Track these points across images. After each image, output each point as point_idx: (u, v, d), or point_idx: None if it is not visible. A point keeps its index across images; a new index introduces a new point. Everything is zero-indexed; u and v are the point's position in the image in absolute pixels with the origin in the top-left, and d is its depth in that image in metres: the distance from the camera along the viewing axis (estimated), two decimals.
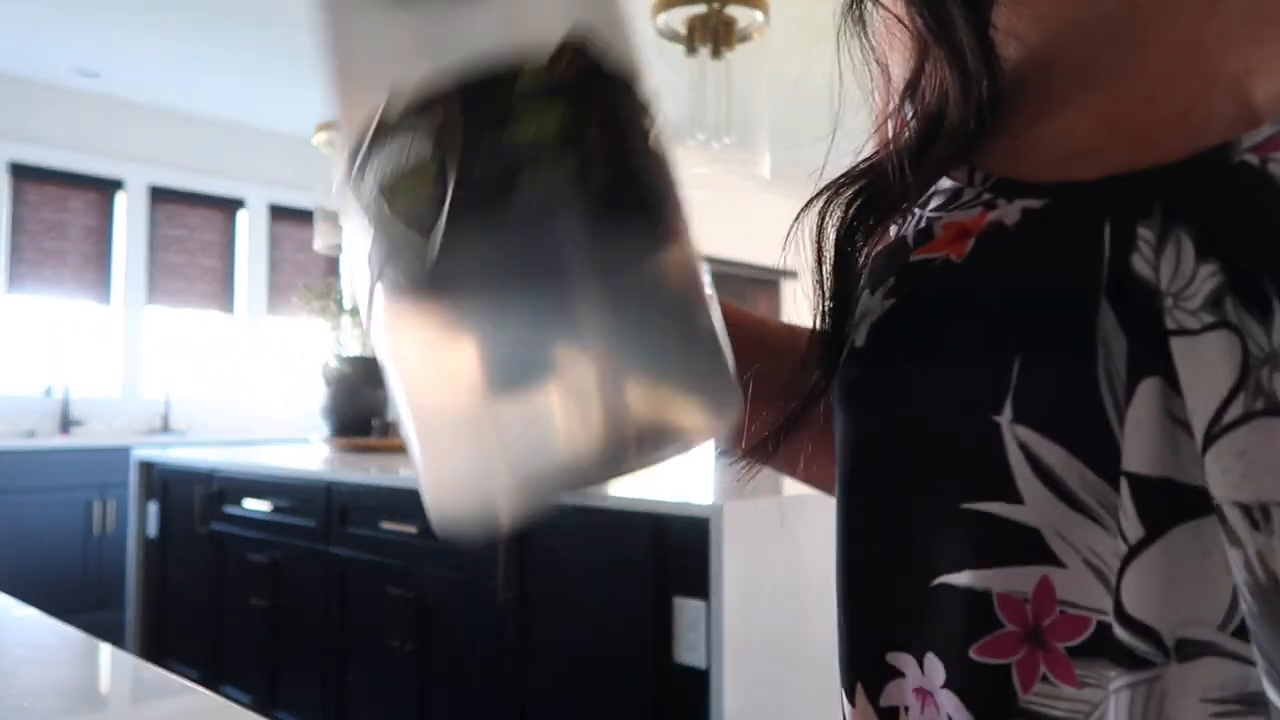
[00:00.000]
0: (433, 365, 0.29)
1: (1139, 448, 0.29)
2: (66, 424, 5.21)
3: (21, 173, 5.17)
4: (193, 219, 5.84)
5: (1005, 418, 0.31)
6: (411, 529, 2.48)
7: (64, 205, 5.35)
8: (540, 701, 2.15)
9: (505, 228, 0.27)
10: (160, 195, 5.68)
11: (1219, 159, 0.29)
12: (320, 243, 4.43)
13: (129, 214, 5.54)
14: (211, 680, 3.03)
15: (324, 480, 2.79)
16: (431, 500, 0.30)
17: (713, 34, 2.58)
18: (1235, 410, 0.27)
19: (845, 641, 0.39)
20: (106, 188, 5.49)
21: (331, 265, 6.32)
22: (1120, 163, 0.32)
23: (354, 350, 3.94)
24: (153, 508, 3.52)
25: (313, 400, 3.98)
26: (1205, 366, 0.28)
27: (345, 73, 0.32)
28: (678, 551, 1.81)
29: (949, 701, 0.33)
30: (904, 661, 0.35)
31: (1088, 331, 0.30)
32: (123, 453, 4.12)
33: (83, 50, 4.81)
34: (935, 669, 0.34)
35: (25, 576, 4.27)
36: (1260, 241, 0.27)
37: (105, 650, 0.86)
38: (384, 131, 0.29)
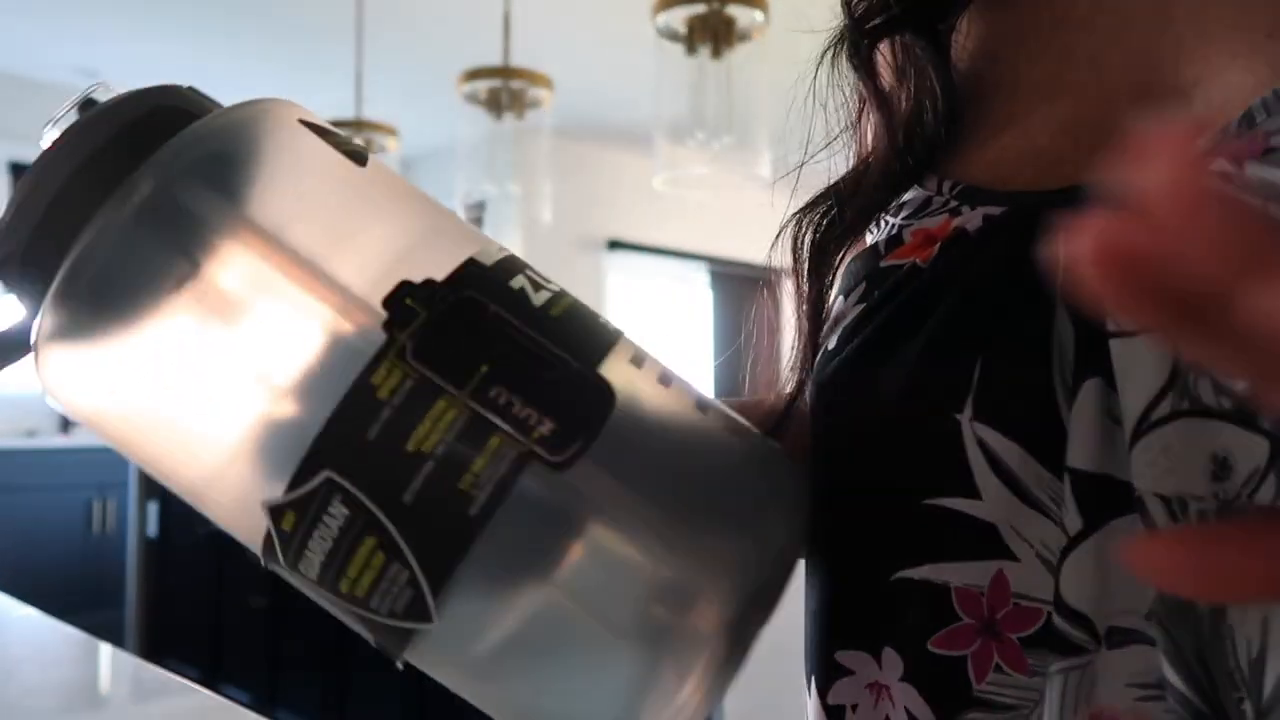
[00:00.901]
0: (506, 662, 0.30)
1: (1080, 444, 0.30)
2: (67, 423, 5.21)
3: (21, 172, 5.17)
4: None
5: (966, 416, 0.32)
6: None
7: None
8: None
9: (483, 527, 0.26)
10: None
11: None
12: None
13: None
14: (211, 680, 3.03)
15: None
16: None
17: (712, 34, 2.58)
18: (1163, 408, 0.28)
19: (807, 638, 0.41)
20: None
21: None
22: (1077, 173, 0.33)
23: None
24: (153, 507, 3.52)
25: None
26: (1139, 366, 0.29)
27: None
28: None
29: (906, 694, 0.34)
30: (855, 659, 0.36)
31: (1045, 334, 0.31)
32: None
33: (83, 50, 4.81)
34: (893, 663, 0.35)
35: (25, 576, 4.27)
36: None
37: (105, 650, 0.86)
38: (281, 518, 0.28)
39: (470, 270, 0.29)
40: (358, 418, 0.26)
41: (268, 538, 0.28)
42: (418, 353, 0.27)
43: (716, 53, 2.57)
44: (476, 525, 0.26)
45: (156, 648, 3.45)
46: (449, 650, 0.29)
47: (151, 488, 3.55)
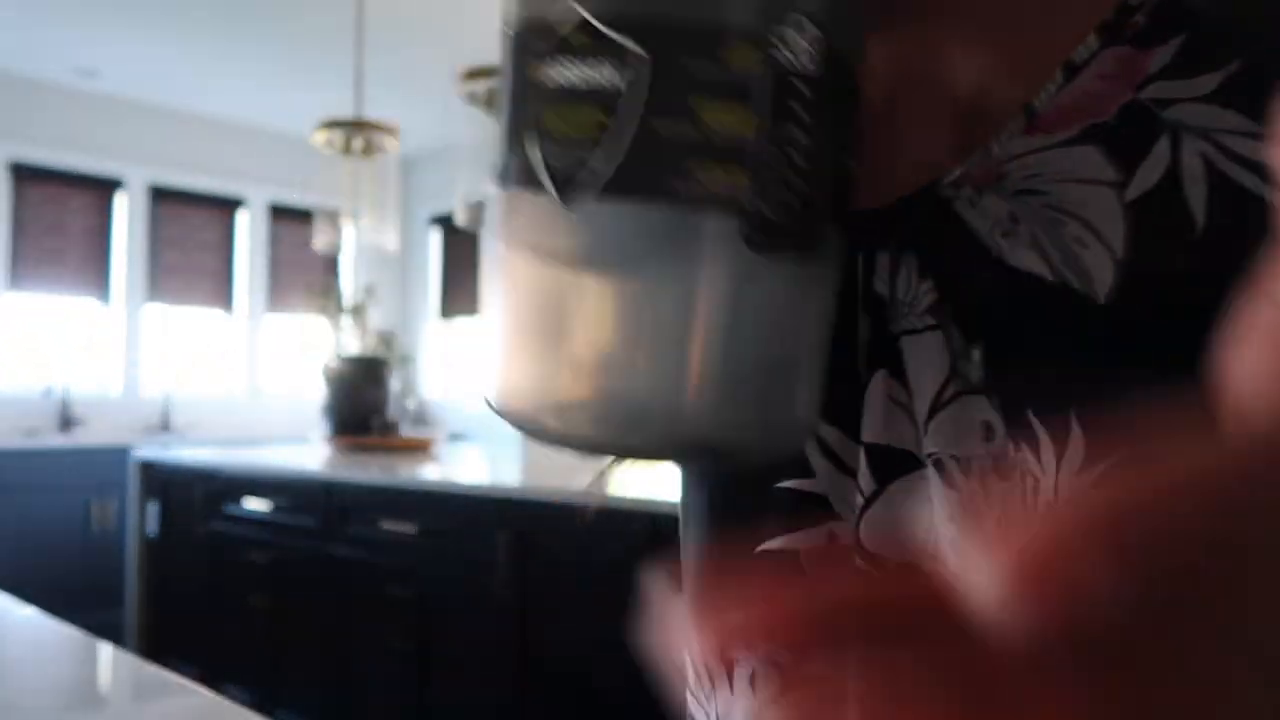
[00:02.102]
0: (544, 274, 0.31)
1: (870, 423, 0.38)
2: (66, 423, 5.21)
3: (22, 172, 5.17)
4: (192, 218, 5.85)
5: None
6: (411, 529, 2.48)
7: (64, 204, 5.35)
8: (540, 701, 2.15)
9: (656, 196, 0.28)
10: (160, 194, 5.68)
11: (931, 195, 0.37)
12: (320, 241, 4.43)
13: (129, 213, 5.54)
14: (211, 679, 3.03)
15: (324, 479, 2.80)
16: (497, 387, 0.33)
17: None
18: (949, 391, 0.36)
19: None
20: (106, 187, 5.49)
21: (331, 264, 6.32)
22: (881, 198, 0.38)
23: (353, 349, 3.94)
24: (153, 507, 3.52)
25: (312, 399, 3.98)
26: (926, 357, 0.36)
27: None
28: (678, 551, 1.81)
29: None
30: None
31: (853, 337, 0.38)
32: (122, 452, 4.13)
33: (83, 50, 4.81)
34: None
35: (25, 576, 4.26)
36: (949, 265, 0.36)
37: (105, 649, 0.86)
38: (557, 39, 0.29)
39: (852, 73, 0.31)
40: (695, 45, 0.28)
41: (538, 26, 0.29)
42: (776, 68, 0.28)
43: None
44: (664, 193, 0.28)
45: (156, 648, 3.45)
46: (519, 226, 0.31)
47: (151, 488, 3.55)
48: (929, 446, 0.36)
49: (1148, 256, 0.32)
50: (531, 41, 0.29)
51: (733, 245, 0.28)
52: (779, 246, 0.29)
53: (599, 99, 0.28)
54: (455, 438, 5.85)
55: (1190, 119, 0.32)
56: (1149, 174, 0.32)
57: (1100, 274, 0.33)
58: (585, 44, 0.28)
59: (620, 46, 0.28)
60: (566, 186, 0.28)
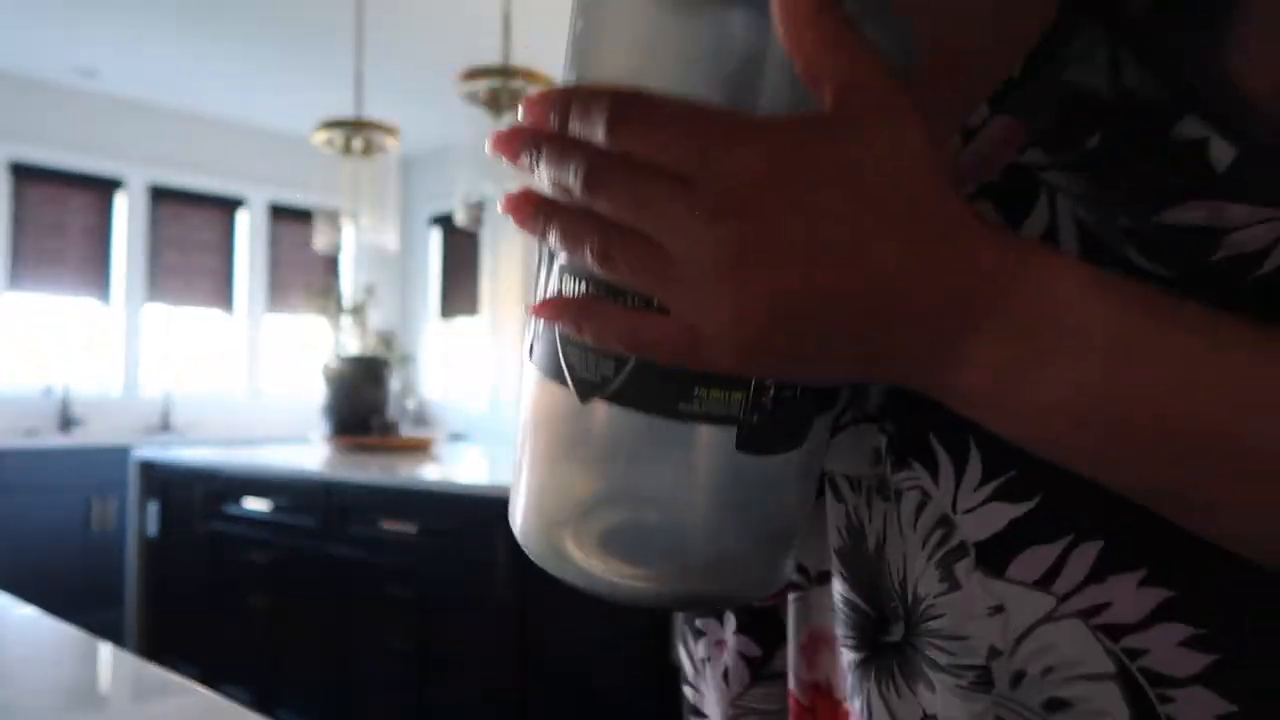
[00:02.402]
0: (567, 431, 0.35)
1: None
2: (66, 423, 5.21)
3: (21, 172, 5.17)
4: (192, 218, 5.85)
5: None
6: (411, 529, 2.48)
7: (64, 204, 5.35)
8: (540, 701, 2.16)
9: (664, 414, 0.32)
10: (160, 194, 5.68)
11: None
12: (320, 242, 4.43)
13: (129, 213, 5.54)
14: (211, 679, 3.03)
15: (324, 479, 2.80)
16: (521, 520, 0.37)
17: None
18: (846, 418, 0.41)
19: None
20: (106, 187, 5.49)
21: (331, 264, 6.32)
22: None
23: (353, 349, 3.94)
24: (153, 507, 3.52)
25: (312, 399, 3.98)
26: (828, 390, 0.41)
27: None
28: None
29: (739, 642, 0.50)
30: (707, 625, 0.51)
31: None
32: (122, 452, 4.13)
33: (82, 49, 4.81)
34: (729, 621, 0.50)
35: (25, 575, 4.26)
36: None
37: (105, 649, 0.86)
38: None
39: None
40: None
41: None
42: None
43: None
44: (672, 412, 0.33)
45: (156, 648, 3.45)
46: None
47: (151, 488, 3.55)
48: (827, 466, 0.42)
49: None
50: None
51: (728, 447, 0.33)
52: (770, 450, 0.33)
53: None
54: (455, 438, 5.85)
55: (1060, 182, 0.36)
56: (1033, 228, 0.36)
57: None
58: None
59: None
60: (584, 390, 0.33)
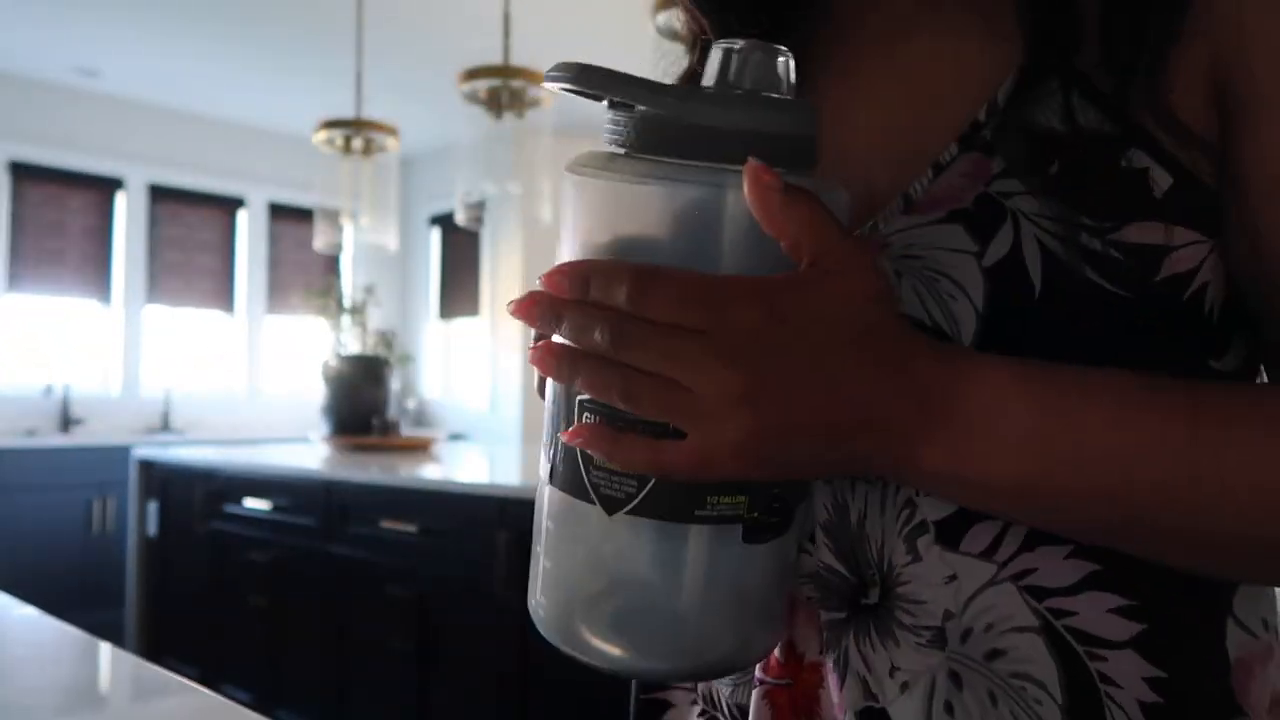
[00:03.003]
0: (592, 539, 0.40)
1: None
2: (66, 423, 5.21)
3: (21, 172, 5.17)
4: (192, 218, 5.85)
5: None
6: (411, 528, 2.48)
7: (64, 204, 5.35)
8: (540, 701, 2.15)
9: (680, 521, 0.38)
10: (160, 194, 5.68)
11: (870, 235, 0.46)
12: (320, 241, 4.43)
13: (129, 213, 5.54)
14: (211, 679, 3.03)
15: (324, 479, 2.80)
16: (540, 610, 0.42)
17: None
18: None
19: None
20: (106, 187, 5.49)
21: (331, 264, 6.32)
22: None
23: (353, 349, 3.94)
24: (153, 507, 3.52)
25: (313, 399, 3.98)
26: None
27: None
28: None
29: None
30: None
31: None
32: (123, 451, 4.12)
33: (83, 49, 4.81)
34: None
35: (25, 575, 4.27)
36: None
37: (105, 649, 0.86)
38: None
39: None
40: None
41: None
42: None
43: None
44: (686, 516, 0.39)
45: (156, 646, 3.45)
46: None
47: (151, 487, 3.55)
48: None
49: (1000, 310, 0.42)
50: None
51: (735, 540, 0.38)
52: (765, 539, 0.39)
53: None
54: (455, 438, 5.85)
55: (1024, 207, 0.42)
56: (999, 248, 0.42)
57: (966, 321, 0.42)
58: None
59: None
60: (610, 506, 0.38)
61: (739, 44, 0.38)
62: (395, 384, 4.08)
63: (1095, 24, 0.43)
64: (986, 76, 0.45)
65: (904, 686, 0.44)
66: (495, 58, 3.20)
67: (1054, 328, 0.41)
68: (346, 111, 3.94)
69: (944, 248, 0.43)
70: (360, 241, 5.12)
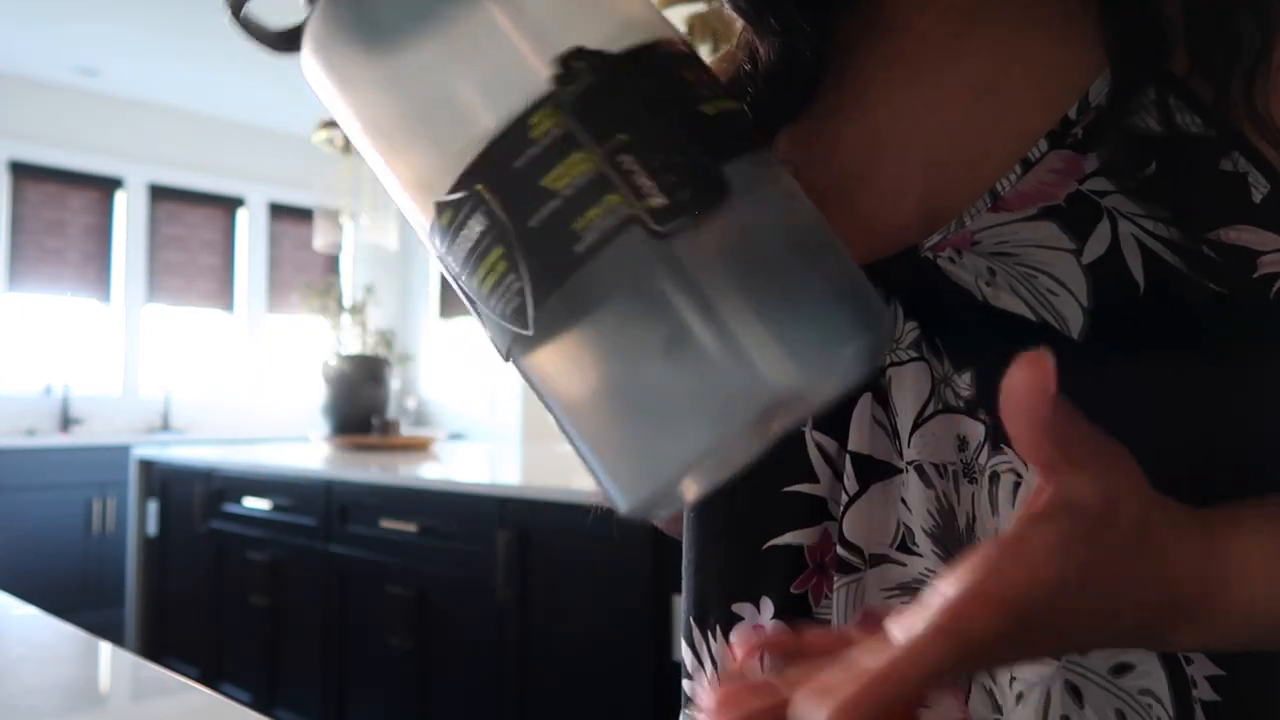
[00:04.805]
0: (584, 386, 0.35)
1: (855, 437, 0.47)
2: (66, 422, 5.21)
3: (21, 171, 5.17)
4: (192, 217, 5.85)
5: (808, 427, 0.48)
6: (411, 527, 2.48)
7: (64, 203, 5.35)
8: (540, 701, 2.15)
9: (575, 270, 0.32)
10: (160, 193, 5.68)
11: (913, 254, 0.45)
12: (320, 241, 4.43)
13: (129, 212, 5.54)
14: (211, 679, 3.03)
15: (324, 478, 2.80)
16: (618, 493, 0.35)
17: (712, 32, 2.58)
18: (930, 409, 0.45)
19: (695, 596, 0.55)
20: (106, 186, 5.49)
21: (331, 263, 6.32)
22: (863, 255, 0.45)
23: (353, 348, 3.94)
24: (153, 506, 3.52)
25: (313, 398, 3.98)
26: (908, 384, 0.46)
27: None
28: (677, 551, 1.81)
29: (775, 629, 0.50)
30: (744, 608, 0.51)
31: None
32: (122, 451, 4.13)
33: (82, 48, 4.81)
34: (767, 606, 0.50)
35: (25, 575, 4.27)
36: (933, 310, 0.45)
37: (105, 649, 0.86)
38: (442, 214, 0.35)
39: (644, 51, 0.34)
40: (510, 149, 0.33)
41: (431, 227, 0.36)
42: (571, 108, 0.32)
43: (716, 50, 2.57)
44: (578, 261, 0.32)
45: (156, 646, 3.45)
46: (536, 361, 0.35)
47: (151, 487, 3.55)
48: (909, 455, 0.45)
49: (1107, 306, 0.41)
50: (430, 236, 0.36)
51: (664, 244, 0.32)
52: (684, 217, 0.32)
53: (490, 246, 0.34)
54: (455, 437, 5.86)
55: (1121, 207, 0.42)
56: (1097, 245, 0.42)
57: (1073, 317, 0.42)
58: (451, 217, 0.35)
59: (476, 198, 0.33)
60: (507, 345, 0.35)
61: None
62: (395, 383, 4.08)
63: (1180, 30, 0.43)
64: (1066, 78, 0.45)
65: (1020, 697, 0.43)
66: None
67: (1160, 324, 0.41)
68: None
69: (1039, 245, 0.43)
70: (360, 241, 5.12)
